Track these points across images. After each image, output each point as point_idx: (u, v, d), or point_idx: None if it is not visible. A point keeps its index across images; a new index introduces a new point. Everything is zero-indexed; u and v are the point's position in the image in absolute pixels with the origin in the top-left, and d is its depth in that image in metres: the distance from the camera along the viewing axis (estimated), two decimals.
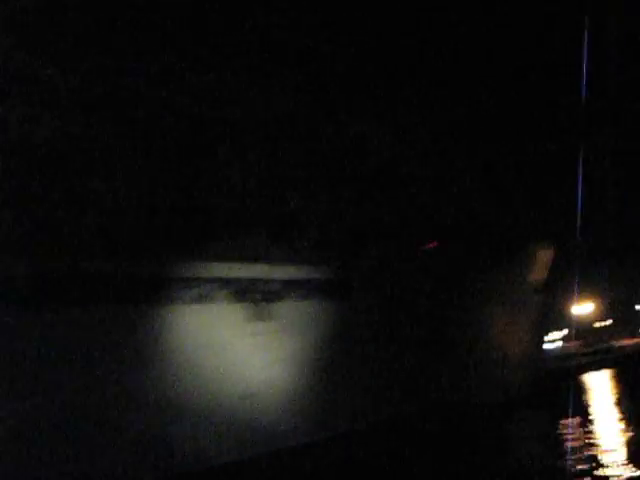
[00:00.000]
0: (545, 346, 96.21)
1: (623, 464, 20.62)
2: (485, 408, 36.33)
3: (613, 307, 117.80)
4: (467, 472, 22.54)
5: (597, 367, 76.25)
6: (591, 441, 26.08)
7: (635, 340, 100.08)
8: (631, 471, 19.55)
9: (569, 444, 27.09)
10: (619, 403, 39.75)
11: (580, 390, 52.02)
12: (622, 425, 30.03)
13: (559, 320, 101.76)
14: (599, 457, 22.58)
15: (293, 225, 25.69)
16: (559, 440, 28.75)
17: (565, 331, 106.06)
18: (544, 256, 45.75)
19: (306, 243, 26.12)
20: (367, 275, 28.80)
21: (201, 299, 23.06)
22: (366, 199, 28.43)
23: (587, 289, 77.02)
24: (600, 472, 20.17)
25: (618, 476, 19.19)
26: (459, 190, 34.59)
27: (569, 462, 22.72)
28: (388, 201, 29.51)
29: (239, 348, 23.85)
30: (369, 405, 28.37)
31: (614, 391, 52.09)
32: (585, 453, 23.85)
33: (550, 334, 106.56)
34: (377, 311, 29.20)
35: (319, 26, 25.79)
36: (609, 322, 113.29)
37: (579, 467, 21.39)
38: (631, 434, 26.67)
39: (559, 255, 49.44)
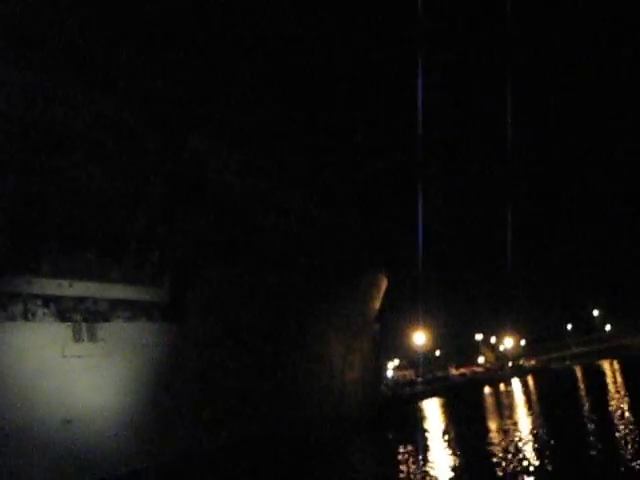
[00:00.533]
0: (388, 373, 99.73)
1: None
2: (325, 430, 36.65)
3: (449, 337, 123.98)
4: None
5: (433, 394, 79.63)
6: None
7: (470, 369, 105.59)
8: None
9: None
10: (447, 431, 41.57)
11: (416, 416, 53.82)
12: (447, 453, 31.20)
13: (399, 349, 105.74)
14: None
15: (124, 243, 24.75)
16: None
17: (401, 361, 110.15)
18: (379, 286, 47.44)
19: (137, 262, 25.22)
20: (204, 299, 28.21)
21: (25, 316, 21.67)
22: (203, 220, 28.00)
23: (424, 319, 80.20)
24: None
25: None
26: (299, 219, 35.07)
27: None
28: (225, 225, 29.28)
29: (62, 370, 22.45)
30: (207, 429, 27.70)
31: (443, 417, 54.49)
32: None
33: (391, 362, 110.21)
34: (214, 335, 28.66)
35: None
36: (444, 351, 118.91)
37: None
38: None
39: (395, 286, 51.55)
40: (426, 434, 40.16)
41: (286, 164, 34.43)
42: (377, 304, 48.17)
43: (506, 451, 28.23)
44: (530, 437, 31.58)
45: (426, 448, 33.49)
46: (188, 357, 27.13)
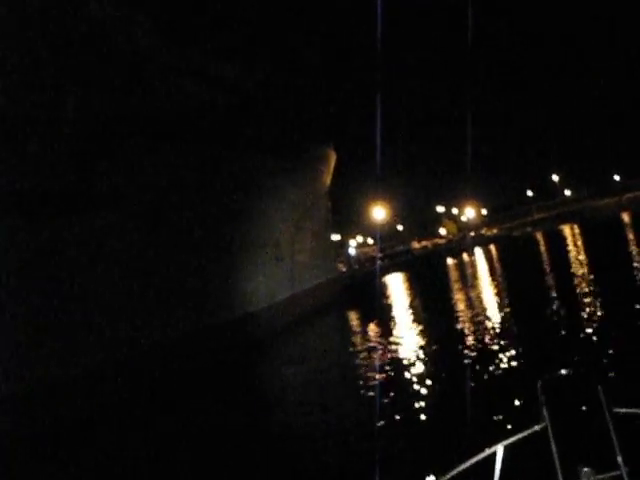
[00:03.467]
0: (350, 251, 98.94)
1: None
2: (277, 318, 34.92)
3: (410, 210, 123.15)
4: None
5: (395, 269, 79.00)
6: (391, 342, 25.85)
7: (431, 242, 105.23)
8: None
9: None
10: (412, 306, 40.35)
11: (379, 293, 52.63)
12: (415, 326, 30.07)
13: (360, 225, 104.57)
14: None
15: None
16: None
17: (363, 237, 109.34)
18: (328, 160, 44.31)
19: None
20: (118, 183, 24.71)
21: None
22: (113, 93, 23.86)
23: (384, 194, 77.98)
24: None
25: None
26: None
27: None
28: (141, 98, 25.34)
29: None
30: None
31: (407, 292, 53.45)
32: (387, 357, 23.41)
33: (353, 239, 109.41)
34: (136, 226, 25.66)
35: None
36: (406, 225, 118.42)
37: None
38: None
39: (351, 160, 48.81)
40: (390, 310, 38.82)
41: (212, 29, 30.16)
42: (327, 179, 45.26)
43: (472, 321, 27.05)
44: (495, 305, 30.25)
45: (390, 323, 32.24)
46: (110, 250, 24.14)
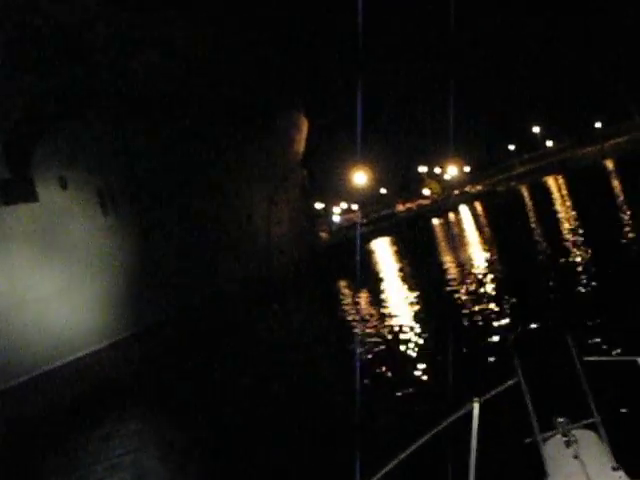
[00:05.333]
0: (334, 219, 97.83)
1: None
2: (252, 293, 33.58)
3: (393, 173, 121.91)
4: None
5: (380, 234, 77.90)
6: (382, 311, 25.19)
7: (416, 203, 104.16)
8: None
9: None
10: (400, 270, 39.45)
11: (365, 259, 51.83)
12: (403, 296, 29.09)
13: (343, 192, 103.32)
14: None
15: None
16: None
17: (347, 204, 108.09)
18: (300, 128, 42.40)
19: None
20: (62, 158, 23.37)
21: None
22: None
23: (364, 159, 76.53)
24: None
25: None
26: None
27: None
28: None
29: None
30: None
31: (394, 257, 52.41)
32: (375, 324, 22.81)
33: (336, 207, 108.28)
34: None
35: None
36: (389, 188, 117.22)
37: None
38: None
39: (328, 126, 47.11)
40: (378, 276, 37.83)
41: None
42: (300, 148, 43.48)
43: (461, 282, 26.37)
44: (483, 265, 29.30)
45: (378, 291, 31.50)
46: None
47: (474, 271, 28.38)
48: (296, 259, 40.12)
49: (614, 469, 3.32)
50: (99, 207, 25.06)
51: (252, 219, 35.26)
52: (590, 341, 12.40)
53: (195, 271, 29.02)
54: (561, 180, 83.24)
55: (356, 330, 23.43)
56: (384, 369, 16.28)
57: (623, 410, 7.40)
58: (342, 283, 39.66)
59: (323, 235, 70.43)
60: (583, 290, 18.23)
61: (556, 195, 62.96)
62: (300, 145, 43.43)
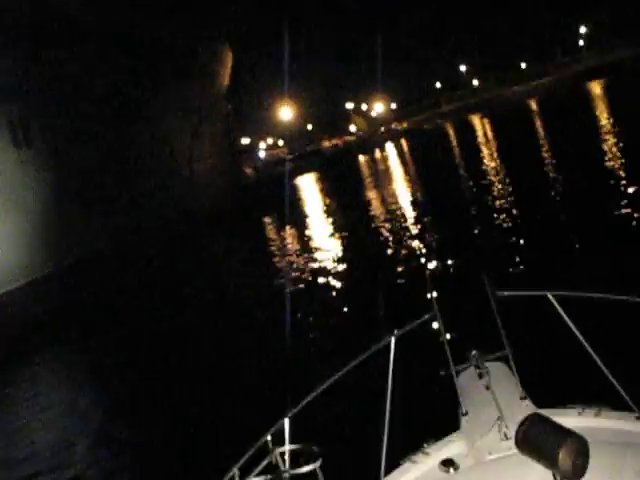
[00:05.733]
0: (260, 154, 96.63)
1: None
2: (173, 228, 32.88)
3: (319, 108, 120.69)
4: None
5: (307, 170, 77.44)
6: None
7: (342, 139, 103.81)
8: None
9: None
10: (325, 205, 39.45)
11: (290, 196, 51.49)
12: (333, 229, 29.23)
13: (269, 127, 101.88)
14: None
15: None
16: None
17: (274, 139, 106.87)
18: (223, 60, 40.97)
19: None
20: None
21: None
22: None
23: (290, 93, 75.13)
24: None
25: None
26: None
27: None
28: None
29: None
30: None
31: (320, 195, 52.22)
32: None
33: (263, 142, 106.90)
34: None
35: None
36: (315, 124, 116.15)
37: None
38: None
39: (252, 59, 45.72)
40: (303, 212, 37.78)
41: None
42: (224, 81, 42.19)
43: (387, 220, 26.37)
44: (409, 204, 29.69)
45: (304, 227, 31.56)
46: None
47: (397, 208, 28.72)
48: (220, 194, 39.43)
49: (522, 398, 3.51)
50: (11, 139, 23.79)
51: (174, 152, 34.27)
52: (505, 276, 12.88)
53: (116, 206, 28.17)
54: (486, 119, 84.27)
55: (282, 264, 23.48)
56: (309, 303, 16.42)
57: (532, 343, 7.63)
58: (267, 219, 39.44)
59: (248, 171, 69.50)
60: (503, 226, 18.62)
61: (480, 134, 63.79)
62: (224, 79, 42.16)
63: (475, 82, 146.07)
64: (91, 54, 25.73)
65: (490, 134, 60.54)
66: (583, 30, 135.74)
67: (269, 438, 3.26)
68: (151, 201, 31.23)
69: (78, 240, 26.25)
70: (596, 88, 76.64)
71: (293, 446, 3.25)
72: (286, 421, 3.43)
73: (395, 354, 3.76)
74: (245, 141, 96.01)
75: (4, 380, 17.38)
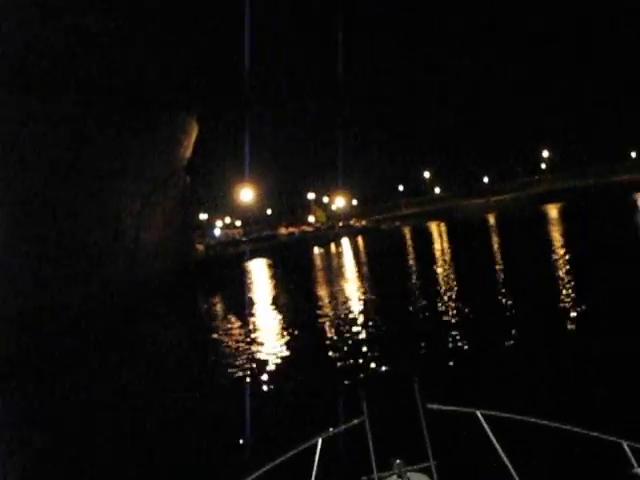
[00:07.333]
0: (215, 232, 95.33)
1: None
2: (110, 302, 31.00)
3: (280, 194, 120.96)
4: None
5: (259, 254, 76.36)
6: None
7: (299, 228, 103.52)
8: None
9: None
10: (276, 295, 38.25)
11: (238, 279, 50.52)
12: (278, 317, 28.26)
13: (227, 206, 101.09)
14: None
15: None
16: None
17: (231, 219, 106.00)
18: (188, 132, 40.03)
19: None
20: None
21: None
22: None
23: (252, 175, 74.80)
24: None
25: None
26: None
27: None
28: None
29: None
30: None
31: (269, 281, 51.05)
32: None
33: (220, 220, 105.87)
34: None
35: None
36: (275, 210, 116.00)
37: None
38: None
39: (216, 133, 45.12)
40: (247, 298, 36.37)
41: None
42: (186, 152, 41.18)
43: (332, 317, 25.50)
44: (356, 303, 28.81)
45: (251, 312, 30.46)
46: None
47: (345, 308, 27.71)
48: (167, 268, 37.67)
49: None
50: None
51: (120, 218, 32.59)
52: (436, 389, 11.78)
53: (44, 273, 26.27)
54: (443, 227, 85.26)
55: (226, 350, 22.17)
56: (240, 400, 15.14)
57: (456, 458, 7.35)
58: (214, 300, 38.06)
59: (199, 247, 67.91)
60: (443, 336, 18.24)
61: (436, 241, 64.38)
62: (186, 150, 41.13)
63: (437, 190, 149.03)
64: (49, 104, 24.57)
65: (446, 243, 61.06)
66: (546, 154, 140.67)
67: None
68: (86, 269, 29.37)
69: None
70: (552, 211, 78.52)
71: None
72: None
73: (320, 455, 3.81)
74: (203, 217, 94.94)
75: None
